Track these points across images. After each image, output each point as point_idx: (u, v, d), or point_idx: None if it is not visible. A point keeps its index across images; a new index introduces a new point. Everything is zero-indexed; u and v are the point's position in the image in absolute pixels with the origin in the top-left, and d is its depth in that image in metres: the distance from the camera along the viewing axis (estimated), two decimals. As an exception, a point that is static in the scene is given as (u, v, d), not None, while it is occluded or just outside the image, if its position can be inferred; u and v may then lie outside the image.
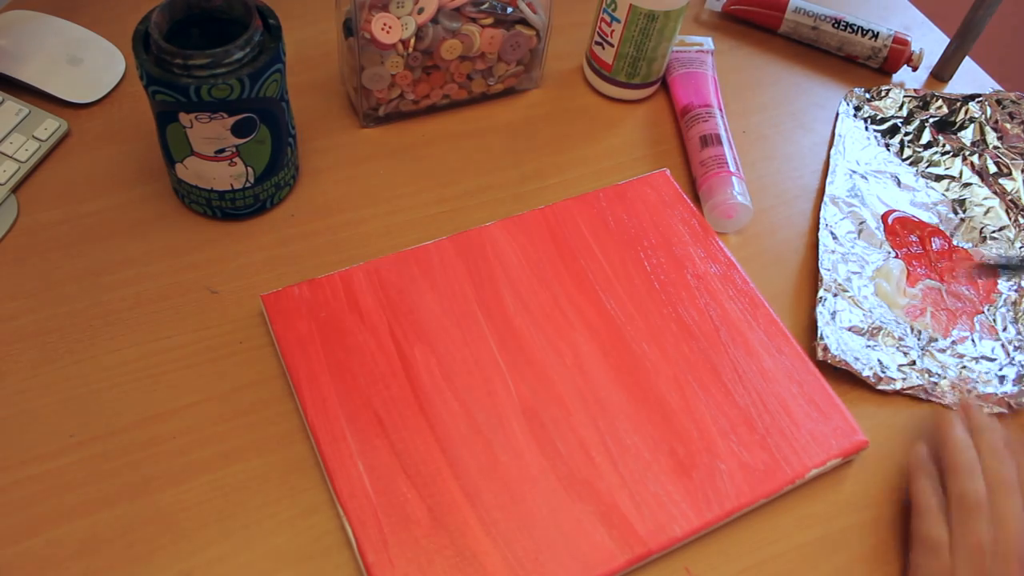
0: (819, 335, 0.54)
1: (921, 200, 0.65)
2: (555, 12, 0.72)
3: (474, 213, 0.61)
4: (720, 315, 0.54)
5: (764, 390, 0.51)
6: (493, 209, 0.61)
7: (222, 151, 0.53)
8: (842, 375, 0.54)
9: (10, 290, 0.53)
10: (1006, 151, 0.68)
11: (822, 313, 0.55)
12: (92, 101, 0.63)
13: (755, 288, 0.56)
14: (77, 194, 0.58)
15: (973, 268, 0.53)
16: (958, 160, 0.68)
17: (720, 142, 0.63)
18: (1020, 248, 0.63)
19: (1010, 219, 0.64)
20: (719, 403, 0.50)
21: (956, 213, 0.65)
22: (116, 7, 0.69)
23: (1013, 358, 0.56)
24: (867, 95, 0.71)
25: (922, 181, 0.67)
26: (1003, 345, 0.57)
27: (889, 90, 0.71)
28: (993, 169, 0.67)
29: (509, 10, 0.62)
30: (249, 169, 0.55)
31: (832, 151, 0.66)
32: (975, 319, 0.58)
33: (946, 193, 0.66)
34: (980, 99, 0.70)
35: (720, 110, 0.66)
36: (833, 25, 0.74)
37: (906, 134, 0.69)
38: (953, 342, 0.57)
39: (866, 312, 0.57)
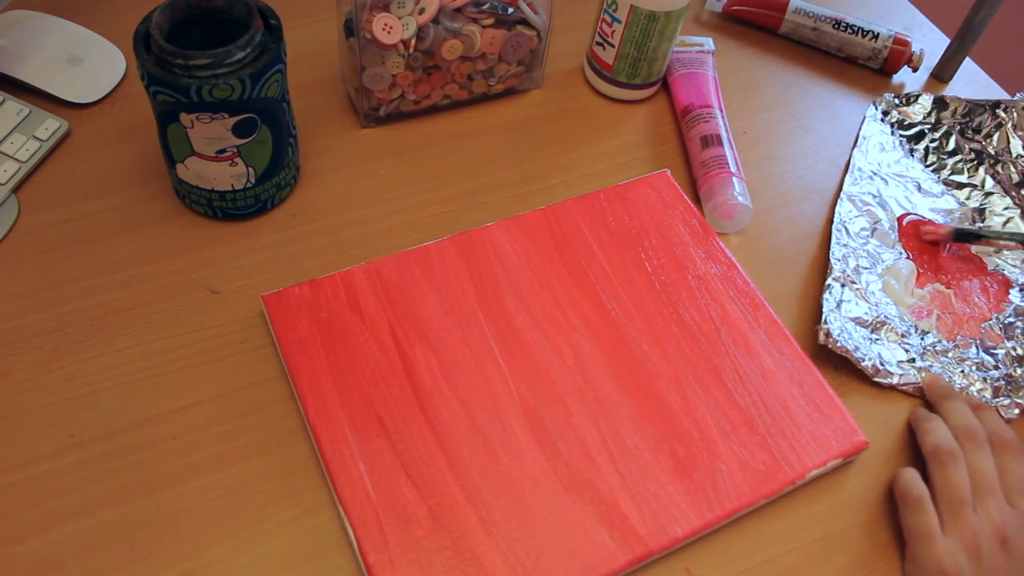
0: (823, 319, 0.54)
1: (940, 207, 0.65)
2: (556, 12, 0.72)
3: (475, 213, 0.61)
4: (721, 315, 0.54)
5: (765, 390, 0.51)
6: (494, 209, 0.61)
7: (223, 151, 0.53)
8: (841, 365, 0.54)
9: (10, 290, 0.53)
10: None
11: (828, 300, 0.55)
12: (93, 101, 0.63)
13: (756, 289, 0.56)
14: (78, 194, 0.58)
15: (948, 234, 0.52)
16: (982, 169, 0.67)
17: (721, 142, 0.63)
18: (1004, 225, 0.63)
19: None
20: (720, 403, 0.50)
21: (975, 222, 0.65)
22: (117, 7, 0.69)
23: (1012, 367, 0.56)
24: (896, 100, 0.70)
25: (943, 188, 0.66)
26: (1006, 354, 0.57)
27: (918, 96, 0.70)
28: (1016, 178, 0.66)
29: (510, 10, 0.62)
30: (250, 169, 0.55)
31: (855, 151, 0.66)
32: (981, 326, 0.58)
33: (967, 201, 0.66)
34: (1006, 106, 0.69)
35: (721, 111, 0.66)
36: (833, 26, 0.74)
37: (932, 140, 0.68)
38: (956, 346, 0.57)
39: (872, 306, 0.57)
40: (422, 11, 0.58)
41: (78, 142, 0.61)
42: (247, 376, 0.51)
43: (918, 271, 0.60)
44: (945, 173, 0.67)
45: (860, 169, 0.65)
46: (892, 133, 0.69)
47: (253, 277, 0.56)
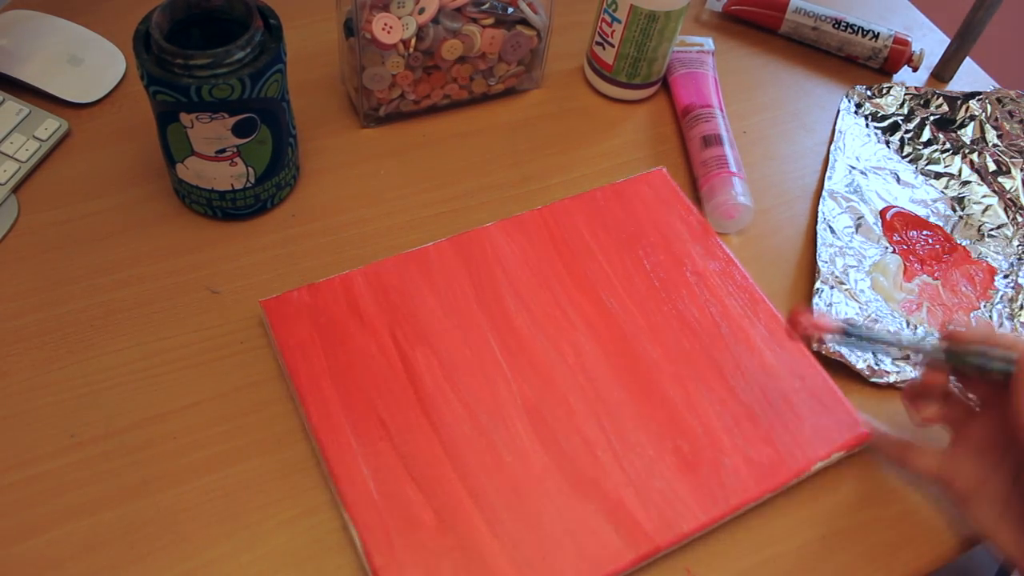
0: None
1: (920, 197, 0.65)
2: (556, 12, 0.72)
3: (475, 213, 0.61)
4: (720, 311, 0.54)
5: (767, 385, 0.51)
6: (494, 209, 0.61)
7: (223, 151, 0.53)
8: (837, 368, 0.54)
9: (10, 290, 0.53)
10: (1005, 149, 0.68)
11: (818, 305, 0.55)
12: (92, 101, 0.63)
13: (755, 284, 0.56)
14: (78, 194, 0.58)
15: (836, 330, 0.50)
16: (958, 158, 0.68)
17: (721, 142, 0.63)
18: (983, 213, 0.64)
19: (1008, 217, 0.65)
20: (722, 399, 0.51)
21: (955, 211, 0.65)
22: (116, 7, 0.69)
23: None
24: (868, 92, 0.71)
25: (921, 178, 0.67)
26: None
27: (890, 88, 0.71)
28: (992, 167, 0.67)
29: (510, 10, 0.62)
30: (250, 169, 0.55)
31: (832, 147, 0.66)
32: (971, 315, 0.59)
33: (945, 191, 0.66)
34: (980, 97, 0.70)
35: (721, 110, 0.66)
36: (834, 25, 0.74)
37: (906, 131, 0.69)
38: None
39: (862, 305, 0.57)
40: (422, 11, 0.58)
41: (78, 142, 0.61)
42: (247, 376, 0.51)
43: (904, 265, 0.60)
44: (922, 163, 0.68)
45: (838, 164, 0.65)
46: (867, 125, 0.69)
47: (253, 277, 0.56)
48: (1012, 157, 0.67)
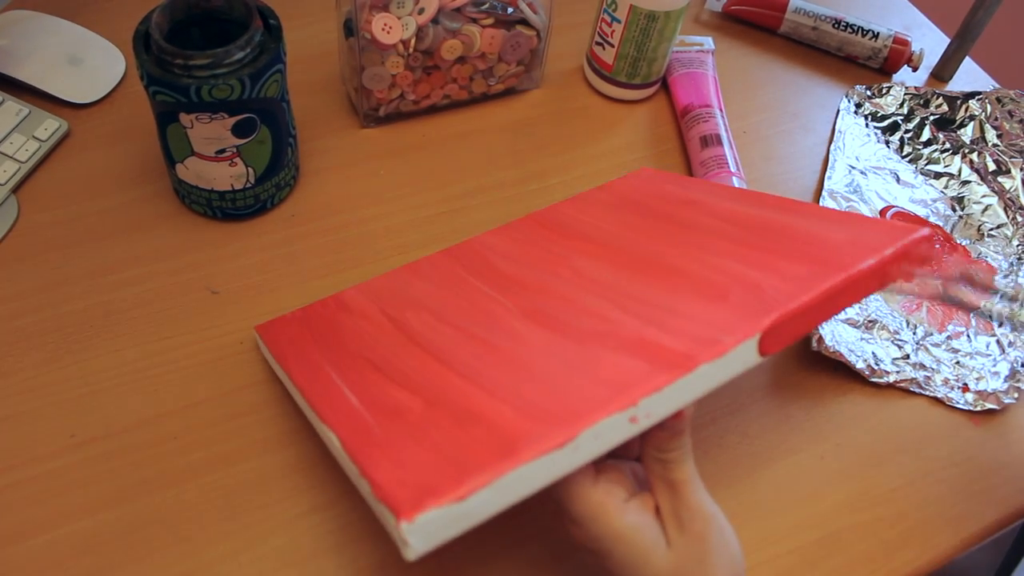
0: None
1: (920, 197, 0.66)
2: (555, 12, 0.72)
3: (475, 213, 0.61)
4: (727, 211, 0.49)
5: (785, 234, 0.45)
6: (494, 209, 0.61)
7: (222, 151, 0.53)
8: (837, 368, 0.54)
9: (11, 290, 0.53)
10: (1005, 149, 0.68)
11: None
12: (92, 101, 0.63)
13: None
14: (77, 194, 0.58)
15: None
16: (957, 158, 0.68)
17: (720, 142, 0.63)
18: (983, 213, 0.64)
19: (1008, 217, 0.65)
20: (742, 255, 0.44)
21: (955, 210, 0.65)
22: (116, 7, 0.69)
23: (1008, 354, 0.56)
24: (868, 92, 0.71)
25: (921, 178, 0.67)
26: (998, 341, 0.57)
27: (890, 88, 0.71)
28: (992, 167, 0.67)
29: (510, 10, 0.62)
30: (249, 169, 0.55)
31: (832, 146, 0.66)
32: (971, 314, 0.59)
33: (945, 190, 0.66)
34: (980, 97, 0.70)
35: (720, 110, 0.66)
36: (833, 25, 0.74)
37: (906, 131, 0.69)
38: (948, 337, 0.57)
39: (862, 305, 0.57)
40: (422, 11, 0.58)
41: (78, 142, 0.61)
42: (247, 376, 0.51)
43: None
44: (922, 163, 0.68)
45: (838, 163, 0.65)
46: (867, 125, 0.69)
47: (253, 277, 0.56)
48: (1012, 157, 0.67)
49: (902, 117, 0.70)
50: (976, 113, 0.69)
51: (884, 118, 0.70)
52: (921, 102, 0.70)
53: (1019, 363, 0.55)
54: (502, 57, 0.64)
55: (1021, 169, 0.67)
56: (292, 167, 0.59)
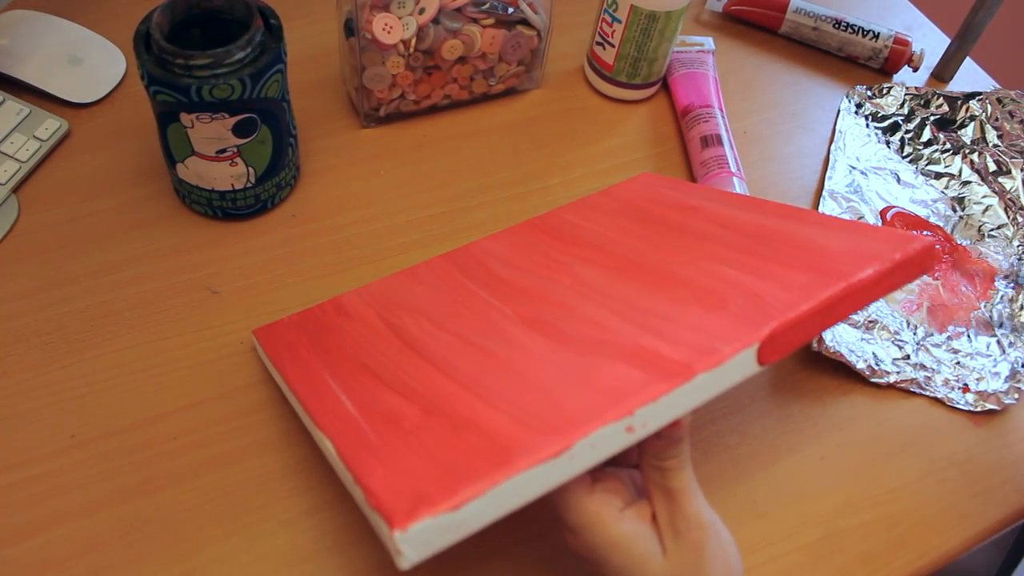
0: None
1: (920, 197, 0.66)
2: (556, 12, 0.72)
3: (475, 213, 0.61)
4: (726, 217, 0.49)
5: (783, 243, 0.45)
6: (494, 209, 0.61)
7: (223, 151, 0.53)
8: (837, 368, 0.54)
9: (11, 290, 0.53)
10: (1006, 149, 0.68)
11: None
12: (93, 101, 0.63)
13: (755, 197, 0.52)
14: (78, 194, 0.58)
15: None
16: (958, 158, 0.68)
17: (721, 142, 0.63)
18: (983, 213, 0.64)
19: (1008, 217, 0.65)
20: (742, 263, 0.44)
21: (955, 211, 0.65)
22: (117, 7, 0.69)
23: (1008, 354, 0.56)
24: (868, 92, 0.71)
25: (921, 179, 0.67)
26: (998, 341, 0.57)
27: (891, 88, 0.71)
28: (992, 167, 0.67)
29: (510, 10, 0.62)
30: (250, 169, 0.55)
31: (832, 147, 0.66)
32: (971, 315, 0.59)
33: (945, 191, 0.66)
34: (981, 97, 0.70)
35: (721, 110, 0.66)
36: (834, 26, 0.74)
37: (907, 131, 0.69)
38: (948, 337, 0.57)
39: None
40: (422, 11, 0.58)
41: (78, 142, 0.61)
42: (247, 376, 0.51)
43: None
44: (922, 163, 0.68)
45: (838, 164, 0.65)
46: (867, 125, 0.69)
47: (253, 277, 0.56)
48: (1012, 157, 0.67)
49: (903, 117, 0.70)
50: (977, 113, 0.69)
51: (885, 118, 0.70)
52: (922, 102, 0.70)
53: (1019, 363, 0.55)
54: (503, 57, 0.64)
55: (1022, 169, 0.66)
56: (293, 167, 0.59)
